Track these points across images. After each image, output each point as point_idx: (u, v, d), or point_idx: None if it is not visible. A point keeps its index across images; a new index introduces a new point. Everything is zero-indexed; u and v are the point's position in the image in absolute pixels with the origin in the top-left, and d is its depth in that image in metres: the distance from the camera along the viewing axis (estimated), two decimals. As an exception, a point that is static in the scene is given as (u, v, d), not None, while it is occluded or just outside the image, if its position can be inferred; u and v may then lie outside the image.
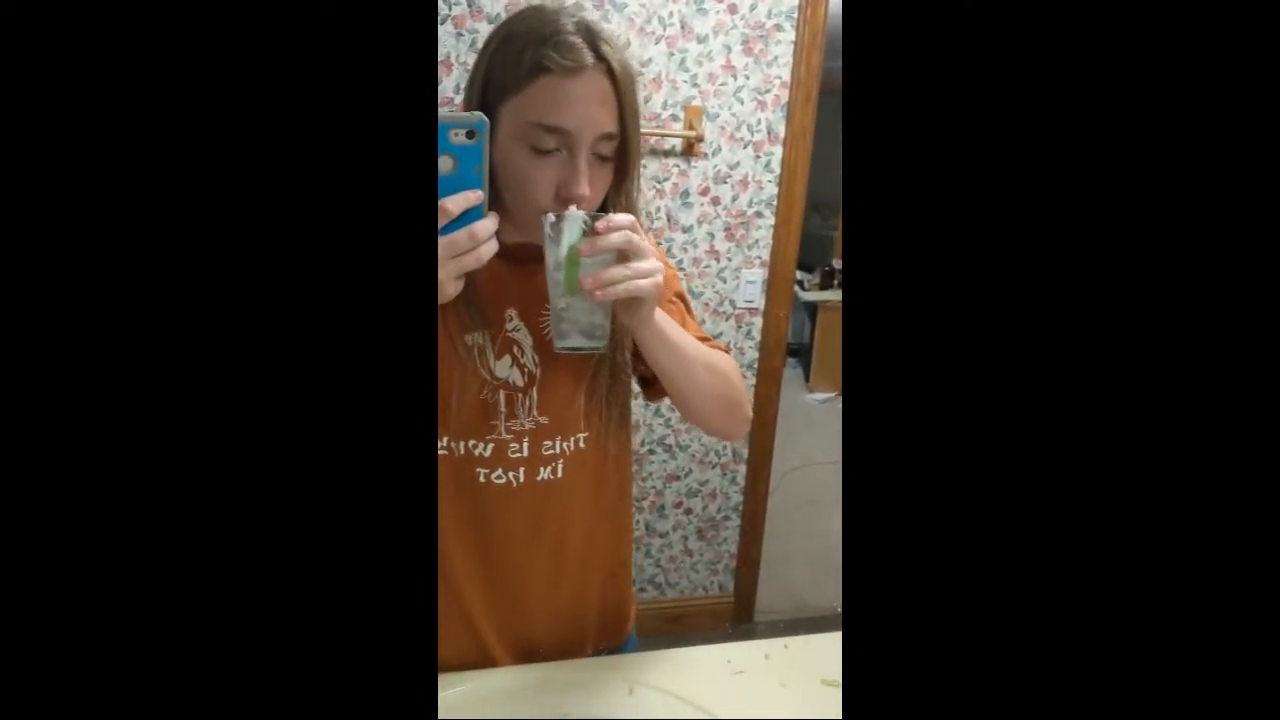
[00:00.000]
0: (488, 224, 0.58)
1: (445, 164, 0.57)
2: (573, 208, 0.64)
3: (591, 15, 1.63)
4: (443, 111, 0.59)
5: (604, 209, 0.71)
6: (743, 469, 2.06)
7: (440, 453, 0.74)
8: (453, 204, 0.56)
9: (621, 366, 0.79)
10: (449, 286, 0.58)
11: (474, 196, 0.57)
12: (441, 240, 0.56)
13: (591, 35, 0.64)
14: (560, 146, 0.65)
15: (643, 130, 1.86)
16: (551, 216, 0.64)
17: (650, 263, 0.64)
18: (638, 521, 2.03)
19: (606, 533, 0.84)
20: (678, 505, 2.06)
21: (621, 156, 0.69)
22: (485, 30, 1.61)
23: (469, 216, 0.57)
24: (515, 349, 0.75)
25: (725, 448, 2.03)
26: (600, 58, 0.64)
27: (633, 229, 0.63)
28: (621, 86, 0.65)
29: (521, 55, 0.63)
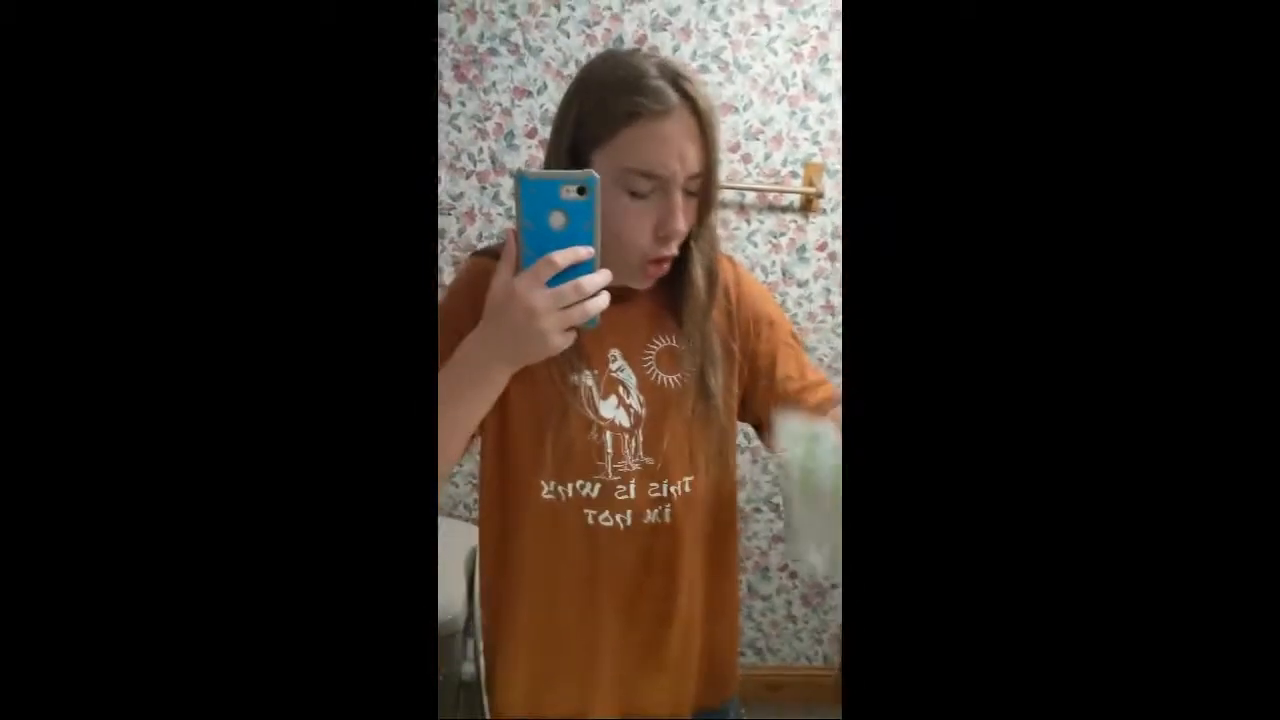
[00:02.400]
0: (598, 279, 0.58)
1: (557, 220, 0.58)
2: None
3: (716, 78, 1.65)
4: (556, 170, 0.59)
5: (689, 239, 0.73)
6: (852, 534, 1.98)
7: (546, 497, 0.74)
8: (560, 257, 0.57)
9: (724, 408, 0.78)
10: (556, 339, 0.58)
11: (584, 252, 0.58)
12: (549, 292, 0.57)
13: (674, 75, 0.66)
14: (655, 188, 0.66)
15: (762, 186, 1.85)
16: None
17: None
18: (740, 582, 1.97)
19: (712, 581, 0.82)
20: (782, 568, 1.99)
21: (705, 189, 0.70)
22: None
23: (578, 271, 0.58)
24: (620, 389, 0.75)
25: (834, 511, 1.96)
26: (685, 96, 0.66)
27: None
28: (705, 121, 0.67)
29: (610, 104, 0.66)
